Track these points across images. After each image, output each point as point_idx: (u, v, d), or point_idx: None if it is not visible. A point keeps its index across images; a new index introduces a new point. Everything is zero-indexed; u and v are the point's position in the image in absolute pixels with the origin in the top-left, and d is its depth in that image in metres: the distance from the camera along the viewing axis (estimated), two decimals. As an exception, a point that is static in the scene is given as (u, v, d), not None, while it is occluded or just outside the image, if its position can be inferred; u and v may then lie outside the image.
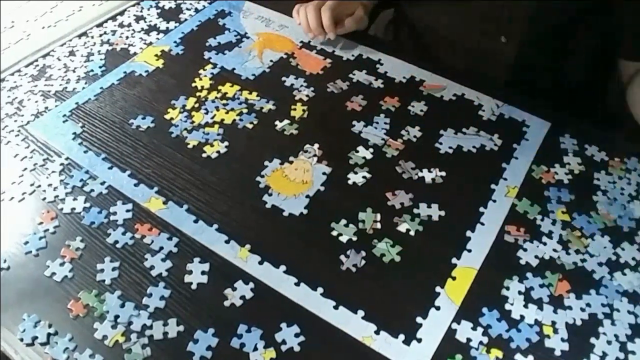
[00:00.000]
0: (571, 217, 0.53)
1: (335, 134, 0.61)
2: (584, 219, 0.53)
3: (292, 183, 0.55)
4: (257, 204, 0.54)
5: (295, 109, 0.63)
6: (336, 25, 0.68)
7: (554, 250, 0.51)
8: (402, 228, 0.51)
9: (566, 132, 0.61)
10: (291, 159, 0.58)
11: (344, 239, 0.51)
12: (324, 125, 0.62)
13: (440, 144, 0.59)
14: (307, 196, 0.54)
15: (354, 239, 0.51)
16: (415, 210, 0.53)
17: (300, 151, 0.59)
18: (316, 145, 0.59)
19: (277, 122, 0.62)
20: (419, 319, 0.46)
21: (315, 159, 0.57)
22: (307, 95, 0.64)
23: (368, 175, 0.56)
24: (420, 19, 0.73)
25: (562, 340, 0.45)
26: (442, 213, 0.53)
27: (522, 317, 0.46)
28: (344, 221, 0.52)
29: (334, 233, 0.51)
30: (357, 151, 0.59)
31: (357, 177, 0.56)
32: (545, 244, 0.51)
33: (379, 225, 0.52)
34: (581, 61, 0.69)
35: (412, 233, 0.51)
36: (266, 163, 0.57)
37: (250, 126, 0.62)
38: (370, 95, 0.64)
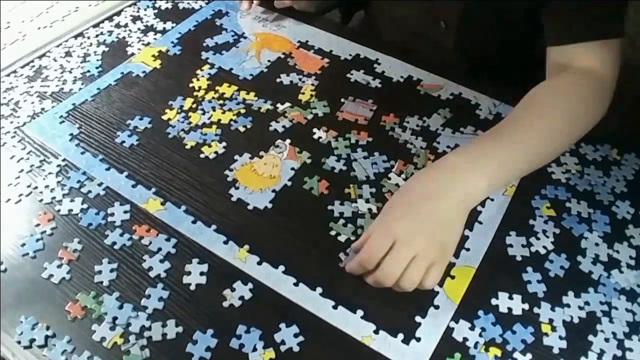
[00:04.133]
0: (561, 216, 0.53)
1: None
2: (574, 219, 0.53)
3: (260, 177, 0.56)
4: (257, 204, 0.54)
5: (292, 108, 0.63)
6: None
7: (550, 248, 0.51)
8: None
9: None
10: (261, 153, 0.58)
11: (342, 238, 0.51)
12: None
13: (438, 143, 0.60)
14: (274, 190, 0.55)
15: (353, 238, 0.51)
16: None
17: (271, 146, 0.59)
18: (287, 141, 0.59)
19: (272, 123, 0.62)
20: (417, 318, 0.46)
21: (286, 154, 0.58)
22: (312, 84, 0.65)
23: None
24: (388, 12, 0.73)
25: (560, 338, 0.45)
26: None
27: (519, 317, 0.46)
28: (342, 220, 0.52)
29: (332, 232, 0.51)
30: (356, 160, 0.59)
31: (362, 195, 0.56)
32: (539, 239, 0.51)
33: None
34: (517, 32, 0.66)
35: None
36: (236, 157, 0.58)
37: (248, 126, 0.62)
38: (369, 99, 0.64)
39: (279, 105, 0.64)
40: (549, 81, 0.55)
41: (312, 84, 0.66)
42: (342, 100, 0.64)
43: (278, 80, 0.67)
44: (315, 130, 0.61)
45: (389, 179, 0.56)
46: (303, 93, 0.65)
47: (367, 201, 0.54)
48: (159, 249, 0.51)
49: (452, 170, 0.45)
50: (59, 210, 0.54)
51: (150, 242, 0.51)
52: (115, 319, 0.46)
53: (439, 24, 0.66)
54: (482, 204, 0.54)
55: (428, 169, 0.48)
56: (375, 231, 0.44)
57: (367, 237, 0.44)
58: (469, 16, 0.64)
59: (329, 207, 0.54)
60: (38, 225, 0.52)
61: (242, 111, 0.63)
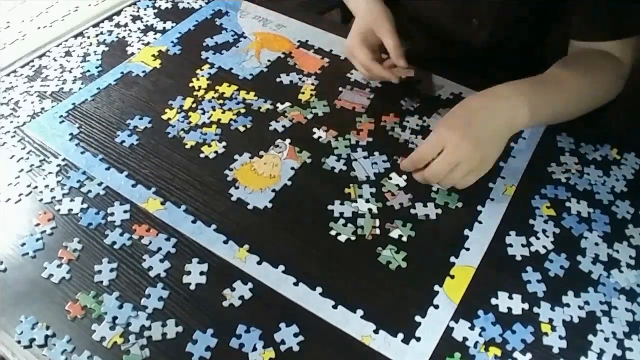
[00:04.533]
0: (561, 216, 0.53)
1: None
2: (574, 219, 0.53)
3: (260, 177, 0.56)
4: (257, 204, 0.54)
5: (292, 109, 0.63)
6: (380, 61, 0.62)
7: (550, 248, 0.51)
8: (395, 234, 0.51)
9: (563, 131, 0.61)
10: (261, 153, 0.58)
11: (342, 238, 0.51)
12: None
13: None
14: (274, 190, 0.55)
15: (353, 238, 0.51)
16: (413, 211, 0.53)
17: (272, 146, 0.59)
18: (287, 141, 0.59)
19: (272, 123, 0.62)
20: (418, 318, 0.46)
21: (286, 154, 0.58)
22: (312, 84, 0.65)
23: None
24: (404, 8, 0.73)
25: (561, 338, 0.45)
26: (440, 212, 0.53)
27: (519, 317, 0.46)
28: (342, 220, 0.52)
29: (333, 233, 0.51)
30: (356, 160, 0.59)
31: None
32: (539, 239, 0.51)
33: (378, 232, 0.51)
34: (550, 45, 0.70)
35: (404, 239, 0.51)
36: (236, 157, 0.58)
37: (248, 126, 0.62)
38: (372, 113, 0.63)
39: (279, 105, 0.64)
40: (584, 53, 0.59)
41: (312, 84, 0.66)
42: (341, 89, 0.64)
43: (278, 80, 0.67)
44: (315, 130, 0.61)
45: (390, 178, 0.56)
46: (303, 93, 0.65)
47: (367, 201, 0.54)
48: (159, 249, 0.51)
49: (502, 98, 0.52)
50: (59, 210, 0.54)
51: (151, 242, 0.51)
52: (115, 318, 0.46)
53: (470, 22, 0.66)
54: (482, 203, 0.54)
55: (481, 93, 0.53)
56: (430, 137, 0.51)
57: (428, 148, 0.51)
58: (503, 15, 0.65)
59: (329, 207, 0.54)
60: (38, 225, 0.52)
61: (242, 111, 0.63)
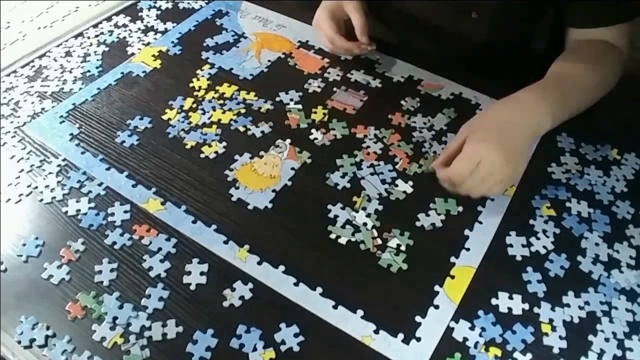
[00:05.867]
0: (561, 216, 0.53)
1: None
2: (574, 219, 0.53)
3: (260, 177, 0.56)
4: (257, 204, 0.54)
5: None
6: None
7: (550, 248, 0.51)
8: (393, 243, 0.51)
9: (563, 131, 0.61)
10: (261, 153, 0.58)
11: (342, 240, 0.51)
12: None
13: (445, 142, 0.59)
14: (274, 190, 0.55)
15: (353, 239, 0.51)
16: (417, 223, 0.53)
17: (272, 146, 0.59)
18: (287, 141, 0.59)
19: (272, 123, 0.62)
20: (418, 318, 0.46)
21: (286, 154, 0.58)
22: (318, 86, 0.65)
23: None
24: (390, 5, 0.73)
25: (560, 338, 0.45)
26: (443, 218, 0.53)
27: (519, 317, 0.46)
28: (340, 223, 0.52)
29: (332, 236, 0.51)
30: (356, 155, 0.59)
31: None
32: (539, 239, 0.51)
33: (379, 241, 0.51)
34: (548, 35, 0.70)
35: (402, 248, 0.50)
36: (236, 157, 0.58)
37: (248, 126, 0.62)
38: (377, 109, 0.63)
39: (279, 105, 0.63)
40: (583, 46, 0.60)
41: (318, 85, 0.66)
42: (335, 89, 0.64)
43: (278, 80, 0.67)
44: (313, 131, 0.60)
45: (396, 185, 0.55)
46: (303, 94, 0.65)
47: (368, 215, 0.52)
48: (159, 249, 0.51)
49: (527, 108, 0.52)
50: (59, 210, 0.54)
51: (151, 242, 0.51)
52: (115, 318, 0.46)
53: (469, 16, 0.66)
54: (482, 203, 0.54)
55: (501, 102, 0.54)
56: (464, 152, 0.50)
57: (453, 150, 0.51)
58: (502, 6, 0.65)
59: (329, 208, 0.53)
60: (38, 225, 0.52)
61: (242, 111, 0.63)
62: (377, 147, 0.59)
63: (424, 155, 0.58)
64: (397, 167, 0.57)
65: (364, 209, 0.53)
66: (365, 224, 0.52)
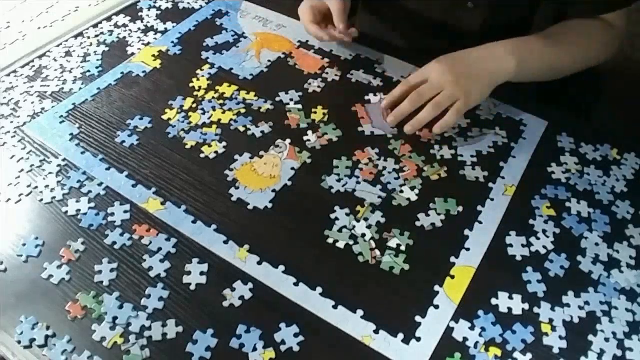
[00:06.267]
0: (561, 216, 0.53)
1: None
2: (574, 219, 0.53)
3: (260, 177, 0.56)
4: (257, 204, 0.54)
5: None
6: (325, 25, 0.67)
7: (550, 248, 0.51)
8: (393, 243, 0.51)
9: (563, 131, 0.61)
10: (261, 153, 0.58)
11: (341, 244, 0.51)
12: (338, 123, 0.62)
13: (456, 149, 0.58)
14: (274, 190, 0.55)
15: (351, 242, 0.51)
16: (417, 223, 0.52)
17: (272, 146, 0.59)
18: (287, 141, 0.59)
19: (272, 123, 0.62)
20: (418, 318, 0.46)
21: (286, 154, 0.57)
22: (318, 87, 0.65)
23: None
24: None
25: (560, 338, 0.45)
26: (443, 218, 0.53)
27: (519, 317, 0.46)
28: (337, 227, 0.52)
29: (330, 241, 0.51)
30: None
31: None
32: (539, 239, 0.51)
33: (377, 253, 0.50)
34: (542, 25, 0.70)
35: (402, 248, 0.50)
36: (236, 157, 0.58)
37: (248, 126, 0.62)
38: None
39: (279, 105, 0.63)
40: (575, 19, 0.61)
41: (318, 85, 0.66)
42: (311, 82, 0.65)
43: (278, 80, 0.67)
44: (309, 132, 0.60)
45: (402, 192, 0.55)
46: (303, 94, 0.65)
47: (369, 227, 0.52)
48: (159, 249, 0.51)
49: (490, 50, 0.56)
50: (59, 210, 0.54)
51: (151, 242, 0.51)
52: (115, 318, 0.46)
53: (465, 6, 0.66)
54: (482, 203, 0.54)
55: (471, 48, 0.57)
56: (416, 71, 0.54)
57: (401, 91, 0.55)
58: None
59: (329, 208, 0.53)
60: (38, 225, 0.52)
61: (242, 111, 0.63)
62: (382, 162, 0.57)
63: (432, 164, 0.57)
64: (402, 175, 0.56)
65: (366, 219, 0.52)
66: (364, 235, 0.51)
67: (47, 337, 0.45)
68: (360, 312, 0.46)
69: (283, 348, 0.44)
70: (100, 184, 0.56)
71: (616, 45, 0.61)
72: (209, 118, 0.62)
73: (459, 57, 0.57)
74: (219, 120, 0.62)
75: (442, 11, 0.68)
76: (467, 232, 0.52)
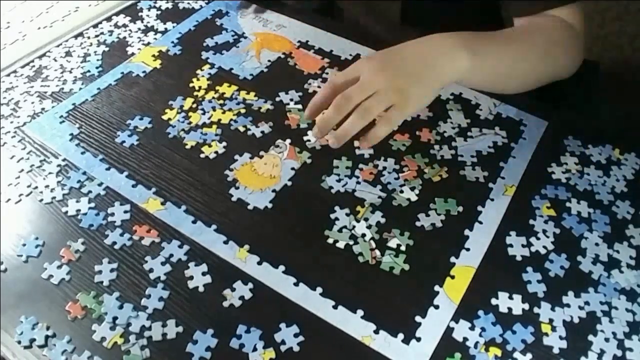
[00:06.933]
0: (561, 216, 0.53)
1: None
2: (574, 219, 0.53)
3: (260, 177, 0.56)
4: (257, 204, 0.54)
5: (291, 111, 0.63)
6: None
7: (550, 248, 0.51)
8: (393, 243, 0.51)
9: (563, 131, 0.61)
10: (261, 153, 0.58)
11: (341, 244, 0.51)
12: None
13: (461, 155, 0.58)
14: (274, 190, 0.55)
15: (351, 242, 0.51)
16: (417, 223, 0.52)
17: (272, 146, 0.59)
18: (287, 141, 0.59)
19: (272, 123, 0.62)
20: (418, 318, 0.46)
21: (286, 154, 0.57)
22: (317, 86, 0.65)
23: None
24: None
25: (560, 338, 0.45)
26: (443, 218, 0.53)
27: (519, 317, 0.46)
28: (337, 227, 0.52)
29: (330, 241, 0.51)
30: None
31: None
32: (539, 239, 0.51)
33: (377, 253, 0.50)
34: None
35: (402, 248, 0.50)
36: (236, 157, 0.58)
37: (248, 126, 0.62)
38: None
39: (279, 105, 0.63)
40: (533, 19, 0.53)
41: (318, 85, 0.66)
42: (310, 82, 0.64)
43: (278, 80, 0.67)
44: (309, 132, 0.60)
45: (402, 192, 0.55)
46: (303, 94, 0.65)
47: (369, 227, 0.52)
48: (160, 249, 0.50)
49: (435, 42, 0.45)
50: (59, 210, 0.54)
51: (151, 243, 0.51)
52: (115, 318, 0.46)
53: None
54: (482, 203, 0.54)
55: (413, 40, 0.46)
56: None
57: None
58: None
59: (329, 208, 0.53)
60: (38, 225, 0.52)
61: (242, 111, 0.63)
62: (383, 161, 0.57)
63: (433, 165, 0.57)
64: (402, 175, 0.56)
65: (366, 219, 0.52)
66: (363, 235, 0.51)
67: (47, 337, 0.45)
68: (360, 312, 0.46)
69: (283, 348, 0.44)
70: (100, 184, 0.56)
71: (580, 54, 0.53)
72: (209, 118, 0.62)
73: (396, 51, 0.45)
74: (219, 120, 0.62)
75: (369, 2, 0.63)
76: (467, 232, 0.52)
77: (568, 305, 0.47)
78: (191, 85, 0.66)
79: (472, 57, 0.44)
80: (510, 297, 0.47)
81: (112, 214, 0.53)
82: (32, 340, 0.45)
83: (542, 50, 0.50)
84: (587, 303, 0.47)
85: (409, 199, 0.54)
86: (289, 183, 0.56)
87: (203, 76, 0.67)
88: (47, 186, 0.56)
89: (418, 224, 0.52)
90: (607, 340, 0.45)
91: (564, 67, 0.52)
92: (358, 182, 0.56)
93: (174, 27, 0.74)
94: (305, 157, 0.58)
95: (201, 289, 0.48)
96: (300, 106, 0.63)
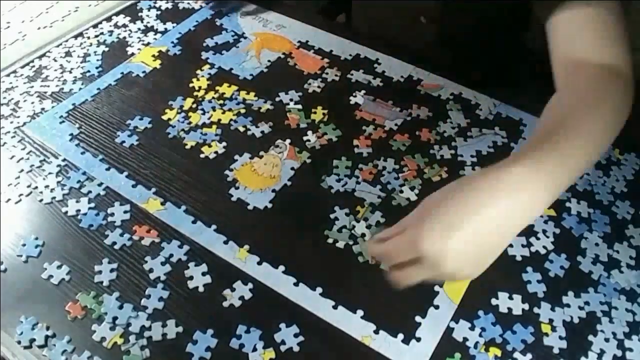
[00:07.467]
0: (561, 216, 0.53)
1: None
2: (574, 219, 0.53)
3: (260, 177, 0.56)
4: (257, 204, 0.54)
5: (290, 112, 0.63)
6: None
7: (550, 248, 0.51)
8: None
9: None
10: (261, 153, 0.58)
11: (341, 244, 0.51)
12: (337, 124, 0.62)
13: (456, 148, 0.58)
14: (274, 190, 0.55)
15: (350, 242, 0.51)
16: None
17: (272, 146, 0.59)
18: (287, 141, 0.59)
19: (272, 123, 0.62)
20: (418, 318, 0.46)
21: (286, 154, 0.57)
22: (318, 87, 0.65)
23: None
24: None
25: (560, 338, 0.45)
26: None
27: (519, 317, 0.46)
28: (337, 227, 0.52)
29: (330, 240, 0.51)
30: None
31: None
32: (539, 239, 0.51)
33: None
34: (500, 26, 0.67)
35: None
36: (236, 157, 0.58)
37: (248, 126, 0.62)
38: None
39: (279, 105, 0.63)
40: (588, 77, 0.46)
41: (317, 85, 0.66)
42: (355, 95, 0.64)
43: (278, 80, 0.67)
44: (309, 132, 0.60)
45: (402, 191, 0.54)
46: (303, 94, 0.65)
47: (369, 227, 0.51)
48: (160, 250, 0.50)
49: (506, 178, 0.36)
50: (59, 210, 0.54)
51: (151, 243, 0.51)
52: (115, 319, 0.46)
53: (419, 21, 0.65)
54: (482, 204, 0.54)
55: (477, 173, 0.39)
56: (405, 234, 0.36)
57: (400, 229, 0.37)
58: (448, 9, 0.64)
59: (329, 208, 0.53)
60: (38, 225, 0.52)
61: (242, 111, 0.63)
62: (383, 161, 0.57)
63: (432, 165, 0.57)
64: (402, 175, 0.56)
65: (366, 219, 0.52)
66: (363, 235, 0.51)
67: (47, 337, 0.45)
68: (360, 312, 0.46)
69: (283, 348, 0.44)
70: (100, 184, 0.56)
71: (631, 102, 0.46)
72: (208, 118, 0.62)
73: (465, 215, 0.35)
74: (219, 120, 0.62)
75: (402, 25, 0.66)
76: (467, 232, 0.52)
77: (568, 305, 0.47)
78: (191, 85, 0.66)
79: (553, 194, 0.37)
80: (510, 297, 0.47)
81: (112, 214, 0.53)
82: (32, 341, 0.45)
83: (613, 134, 0.44)
84: (587, 303, 0.47)
85: (408, 199, 0.54)
86: (289, 183, 0.56)
87: (203, 76, 0.67)
88: (47, 186, 0.56)
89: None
90: (607, 340, 0.45)
91: (622, 124, 0.46)
92: (358, 182, 0.56)
93: (173, 27, 0.74)
94: (305, 157, 0.58)
95: (201, 289, 0.48)
96: (300, 106, 0.64)
